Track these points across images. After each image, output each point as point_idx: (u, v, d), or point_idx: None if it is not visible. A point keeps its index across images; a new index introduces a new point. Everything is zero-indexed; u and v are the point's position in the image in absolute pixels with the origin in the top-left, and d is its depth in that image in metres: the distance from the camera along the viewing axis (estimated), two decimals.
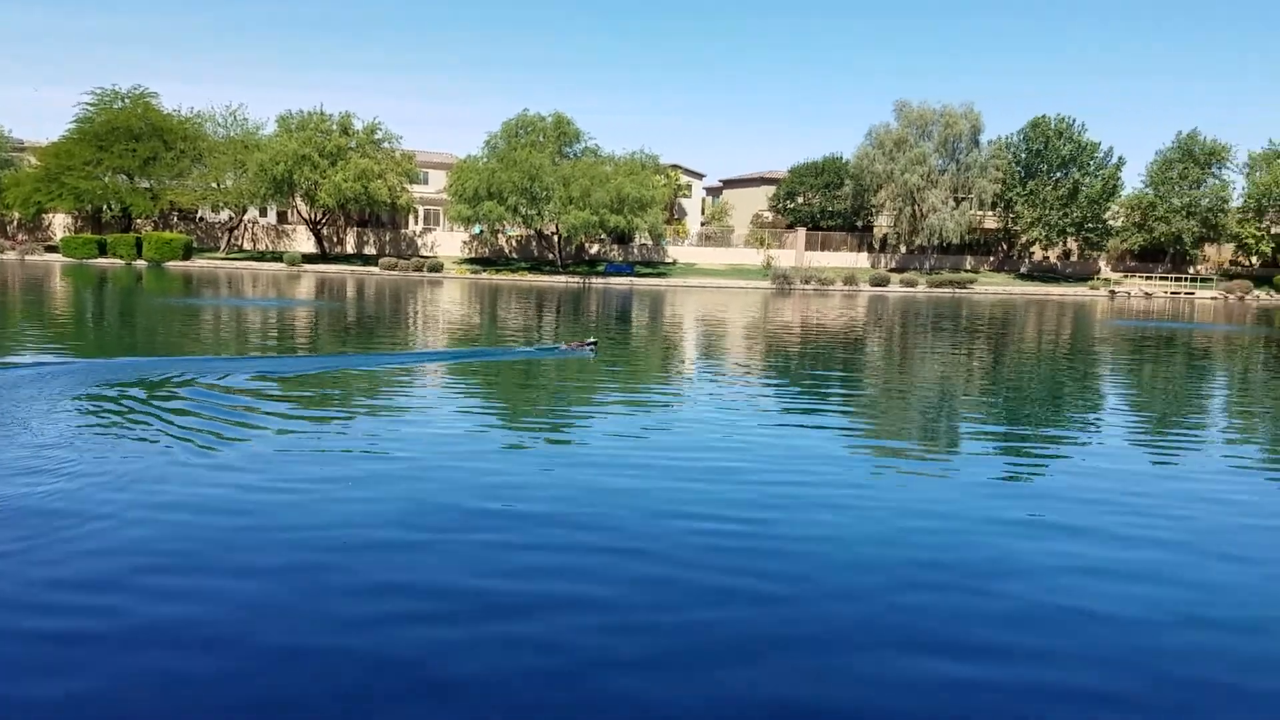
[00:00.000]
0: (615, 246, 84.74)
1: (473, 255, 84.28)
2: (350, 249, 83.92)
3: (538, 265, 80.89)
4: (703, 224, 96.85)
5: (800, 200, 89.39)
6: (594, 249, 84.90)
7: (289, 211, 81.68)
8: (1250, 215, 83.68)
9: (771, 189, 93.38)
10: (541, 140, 78.99)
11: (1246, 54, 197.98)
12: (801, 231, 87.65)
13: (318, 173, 72.16)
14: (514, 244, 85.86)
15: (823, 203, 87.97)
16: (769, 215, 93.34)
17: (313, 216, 78.99)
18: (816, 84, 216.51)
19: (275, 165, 70.74)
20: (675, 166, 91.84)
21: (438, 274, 73.59)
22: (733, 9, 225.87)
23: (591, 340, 22.74)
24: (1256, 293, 77.76)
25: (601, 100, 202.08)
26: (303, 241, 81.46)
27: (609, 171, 76.46)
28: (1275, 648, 6.16)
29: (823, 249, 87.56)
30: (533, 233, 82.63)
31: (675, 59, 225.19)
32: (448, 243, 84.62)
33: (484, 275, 75.12)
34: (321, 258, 77.79)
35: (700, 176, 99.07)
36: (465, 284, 66.19)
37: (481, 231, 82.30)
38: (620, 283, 74.45)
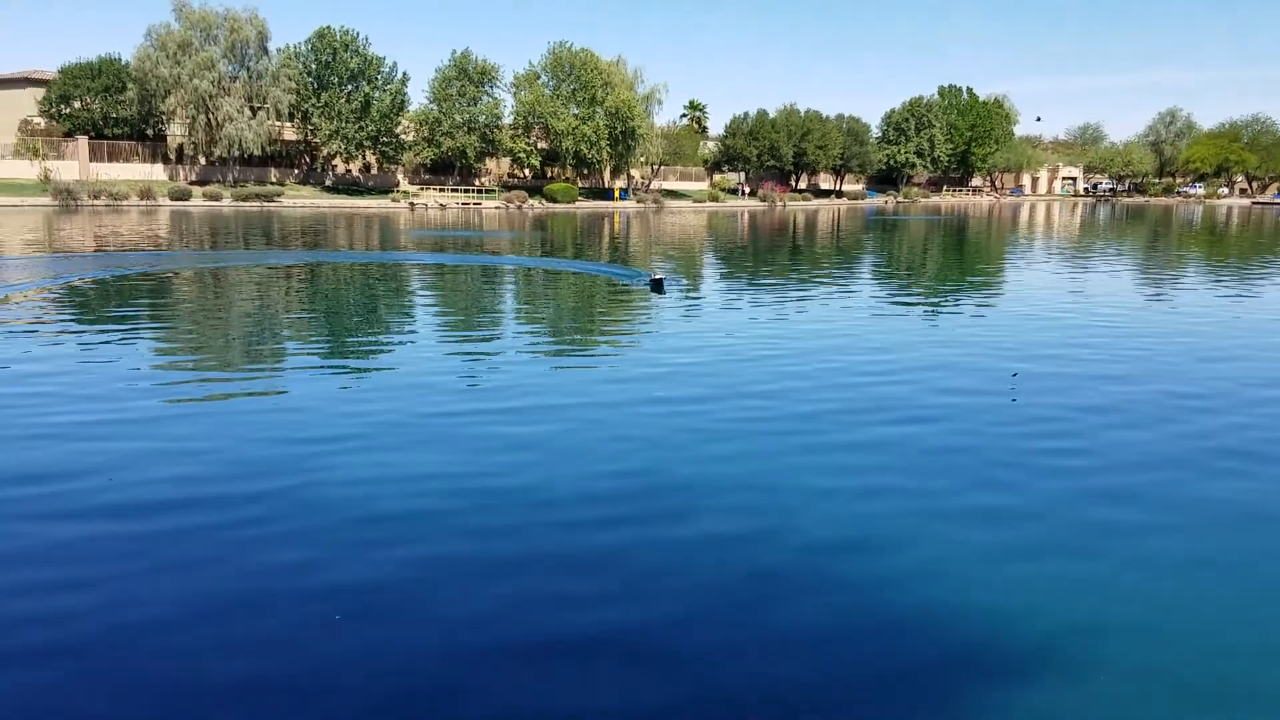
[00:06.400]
0: None
1: None
2: None
3: None
4: None
5: (78, 105, 79.45)
6: None
7: None
8: (520, 132, 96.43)
9: (41, 91, 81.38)
10: None
11: None
12: (83, 141, 78.45)
13: None
14: None
15: (105, 109, 79.40)
16: (41, 122, 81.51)
17: None
18: None
19: None
20: None
21: None
22: None
23: (659, 275, 23.25)
24: (531, 202, 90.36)
25: None
26: None
27: None
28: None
29: (111, 160, 79.54)
30: None
31: None
32: None
33: None
34: None
35: None
36: None
37: None
38: None
